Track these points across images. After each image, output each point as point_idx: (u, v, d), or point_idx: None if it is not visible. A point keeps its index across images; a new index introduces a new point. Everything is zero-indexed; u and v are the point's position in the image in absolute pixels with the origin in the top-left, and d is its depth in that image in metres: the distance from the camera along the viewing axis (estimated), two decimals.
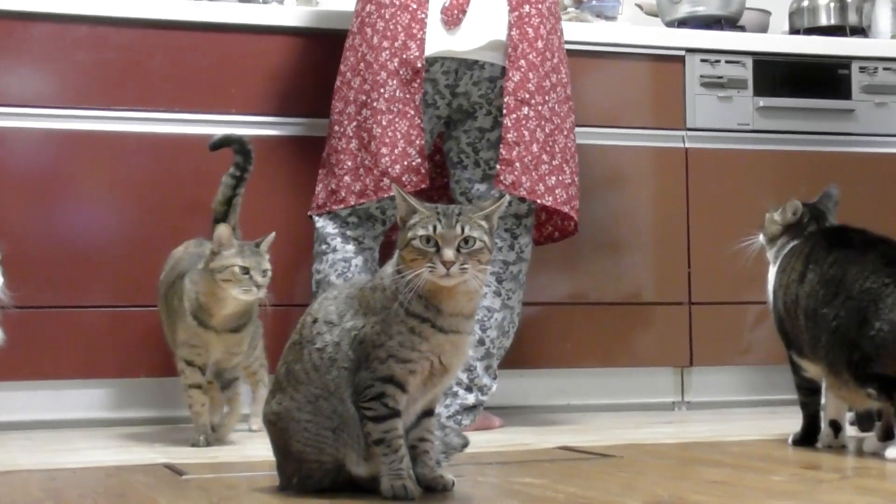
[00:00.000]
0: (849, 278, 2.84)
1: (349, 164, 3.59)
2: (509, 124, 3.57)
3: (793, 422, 3.18)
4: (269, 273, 3.28)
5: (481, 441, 3.25)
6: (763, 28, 4.94)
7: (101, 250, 3.87)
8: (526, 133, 3.57)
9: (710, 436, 3.41)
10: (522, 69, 3.58)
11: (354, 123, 3.60)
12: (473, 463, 2.77)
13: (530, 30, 3.60)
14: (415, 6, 3.57)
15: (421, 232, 2.18)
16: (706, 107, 4.44)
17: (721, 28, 4.66)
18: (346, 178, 3.59)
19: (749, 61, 4.50)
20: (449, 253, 2.16)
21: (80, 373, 3.85)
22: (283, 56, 4.06)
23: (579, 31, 4.30)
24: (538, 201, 3.59)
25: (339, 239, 3.64)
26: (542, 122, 3.60)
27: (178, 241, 3.89)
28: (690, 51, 4.44)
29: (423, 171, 3.55)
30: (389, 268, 2.27)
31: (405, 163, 3.52)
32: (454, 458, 2.56)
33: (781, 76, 4.54)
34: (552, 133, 3.62)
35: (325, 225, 3.66)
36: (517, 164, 3.55)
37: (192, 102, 3.97)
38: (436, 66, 3.59)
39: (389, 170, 3.52)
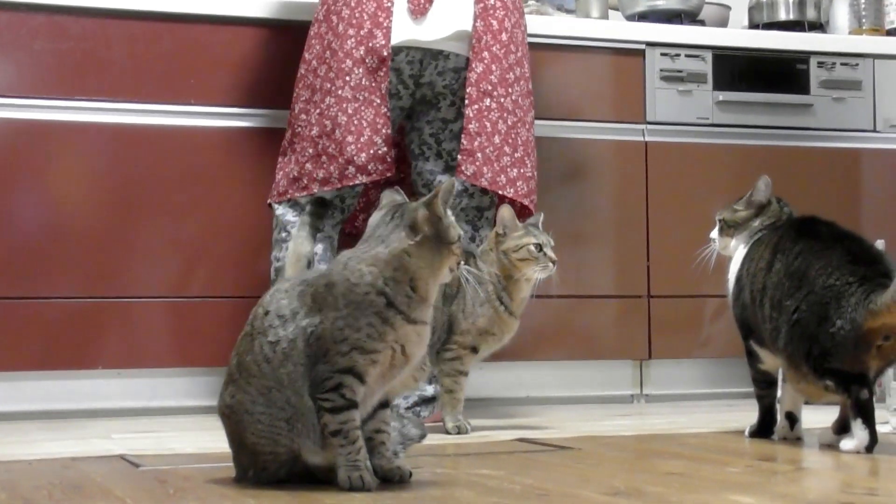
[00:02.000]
0: (812, 272, 2.84)
1: (310, 151, 3.57)
2: (471, 115, 3.56)
3: (750, 414, 3.19)
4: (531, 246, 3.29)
5: (439, 432, 3.25)
6: (723, 22, 4.96)
7: (59, 241, 3.84)
8: (488, 124, 3.56)
9: (667, 428, 3.42)
10: (486, 61, 3.58)
11: (318, 111, 3.57)
12: (431, 454, 2.77)
13: (495, 22, 3.59)
14: None
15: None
16: (666, 100, 4.45)
17: (681, 22, 4.67)
18: (308, 165, 3.57)
19: (708, 55, 4.51)
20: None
21: (38, 364, 3.82)
22: (243, 47, 4.04)
23: (540, 23, 4.30)
24: (500, 192, 3.58)
25: (297, 227, 3.62)
26: (505, 114, 3.59)
27: (138, 231, 3.88)
28: (650, 44, 4.44)
29: (388, 159, 3.53)
30: (363, 265, 2.25)
31: (371, 151, 3.51)
32: (412, 449, 2.55)
33: (740, 70, 4.56)
34: (514, 125, 3.61)
35: (284, 213, 3.65)
36: (478, 155, 3.55)
37: (151, 93, 3.95)
38: (400, 56, 3.58)
39: (355, 158, 3.50)
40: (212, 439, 3.06)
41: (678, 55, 4.46)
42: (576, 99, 4.38)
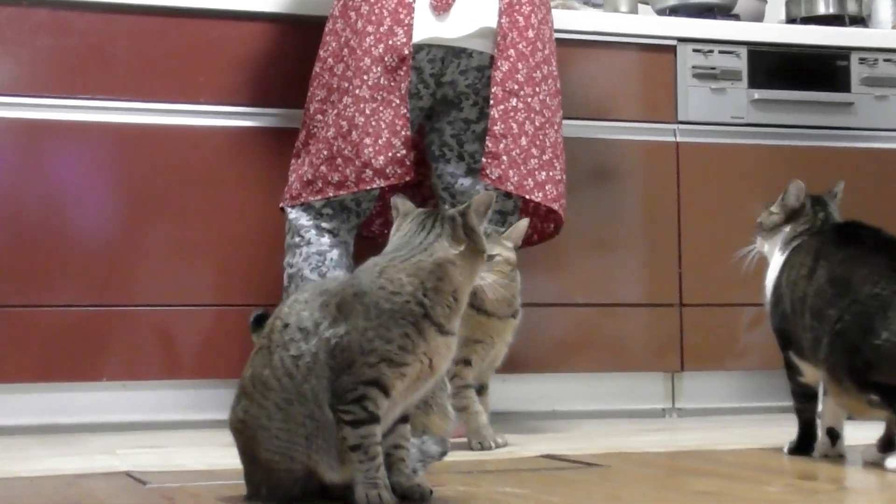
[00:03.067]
0: (856, 280, 2.82)
1: (325, 153, 3.55)
2: (496, 116, 3.54)
3: (789, 430, 3.17)
4: (499, 258, 3.30)
5: (461, 449, 3.24)
6: (758, 17, 4.94)
7: (61, 246, 3.85)
8: (514, 125, 3.54)
9: (701, 444, 3.41)
10: (511, 59, 3.56)
11: (335, 111, 3.56)
12: (453, 472, 2.76)
13: (521, 18, 3.58)
14: None
15: None
16: (698, 99, 4.43)
17: (714, 16, 4.66)
18: (323, 167, 3.55)
19: (743, 51, 4.49)
20: None
21: (39, 376, 3.82)
22: (255, 43, 4.04)
23: (566, 18, 4.29)
24: (527, 197, 3.57)
25: (313, 231, 3.61)
26: (532, 115, 3.57)
27: (144, 236, 3.89)
28: (682, 40, 4.43)
29: (407, 162, 3.51)
30: (402, 275, 2.26)
31: (389, 154, 3.49)
32: (432, 466, 2.54)
33: (777, 67, 4.54)
34: (542, 126, 3.60)
35: (298, 217, 3.63)
36: (504, 158, 3.52)
37: (158, 91, 3.96)
38: (421, 54, 3.56)
39: (373, 161, 3.48)
40: (222, 455, 3.06)
41: (711, 51, 4.45)
42: (604, 97, 4.37)
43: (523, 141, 3.55)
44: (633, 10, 4.78)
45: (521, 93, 3.56)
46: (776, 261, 3.13)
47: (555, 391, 4.28)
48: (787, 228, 3.15)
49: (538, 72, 3.60)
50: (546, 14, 3.68)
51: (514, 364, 4.03)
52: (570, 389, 4.30)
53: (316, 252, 3.58)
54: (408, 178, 3.52)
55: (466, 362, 3.35)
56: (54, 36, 3.88)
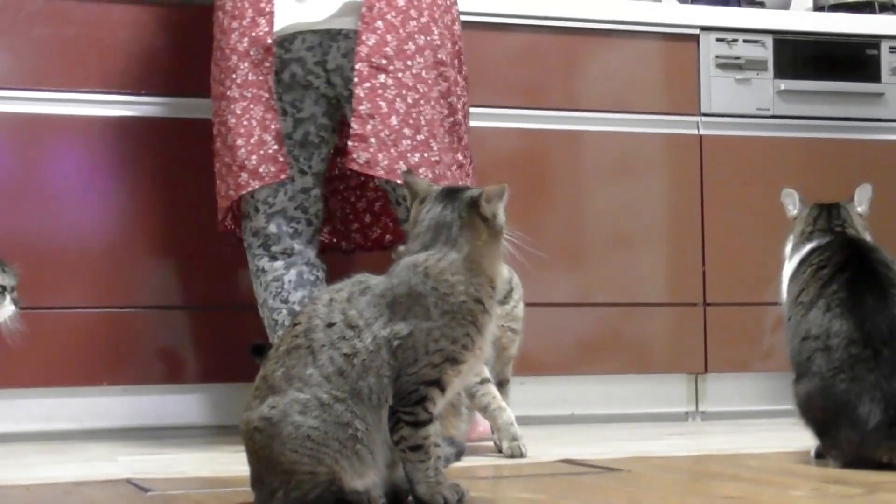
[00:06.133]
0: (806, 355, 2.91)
1: (218, 164, 3.54)
2: (361, 95, 3.41)
3: None
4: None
5: (477, 452, 3.25)
6: (784, 4, 4.95)
7: (59, 246, 3.85)
8: (382, 104, 3.42)
9: (725, 448, 3.41)
10: (379, 31, 3.44)
11: (218, 120, 3.53)
12: (468, 476, 2.77)
13: None
14: None
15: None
16: (722, 90, 4.44)
17: (739, 4, 4.67)
18: (218, 181, 3.54)
19: (769, 40, 4.50)
20: None
21: (37, 381, 3.83)
22: None
23: (584, 7, 4.29)
24: (398, 182, 3.43)
25: (265, 258, 3.57)
26: (403, 92, 3.45)
27: (145, 235, 3.89)
28: (705, 29, 4.44)
29: (280, 158, 3.46)
30: (447, 275, 2.29)
31: (261, 151, 3.45)
32: (447, 469, 2.55)
33: (804, 57, 4.54)
34: (416, 103, 3.46)
35: (250, 244, 3.60)
36: (372, 140, 3.40)
37: (161, 84, 3.96)
38: (297, 43, 3.48)
39: (246, 162, 3.44)
40: (226, 462, 3.07)
41: (735, 40, 4.45)
42: (624, 89, 4.37)
43: (393, 120, 3.43)
44: None
45: (391, 67, 3.44)
46: (788, 265, 3.14)
47: (574, 394, 4.29)
48: (800, 236, 3.15)
49: (411, 43, 3.48)
50: None
51: (531, 366, 4.05)
52: (590, 392, 4.30)
53: (273, 279, 3.54)
54: (283, 177, 3.47)
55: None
56: (51, 26, 3.89)
